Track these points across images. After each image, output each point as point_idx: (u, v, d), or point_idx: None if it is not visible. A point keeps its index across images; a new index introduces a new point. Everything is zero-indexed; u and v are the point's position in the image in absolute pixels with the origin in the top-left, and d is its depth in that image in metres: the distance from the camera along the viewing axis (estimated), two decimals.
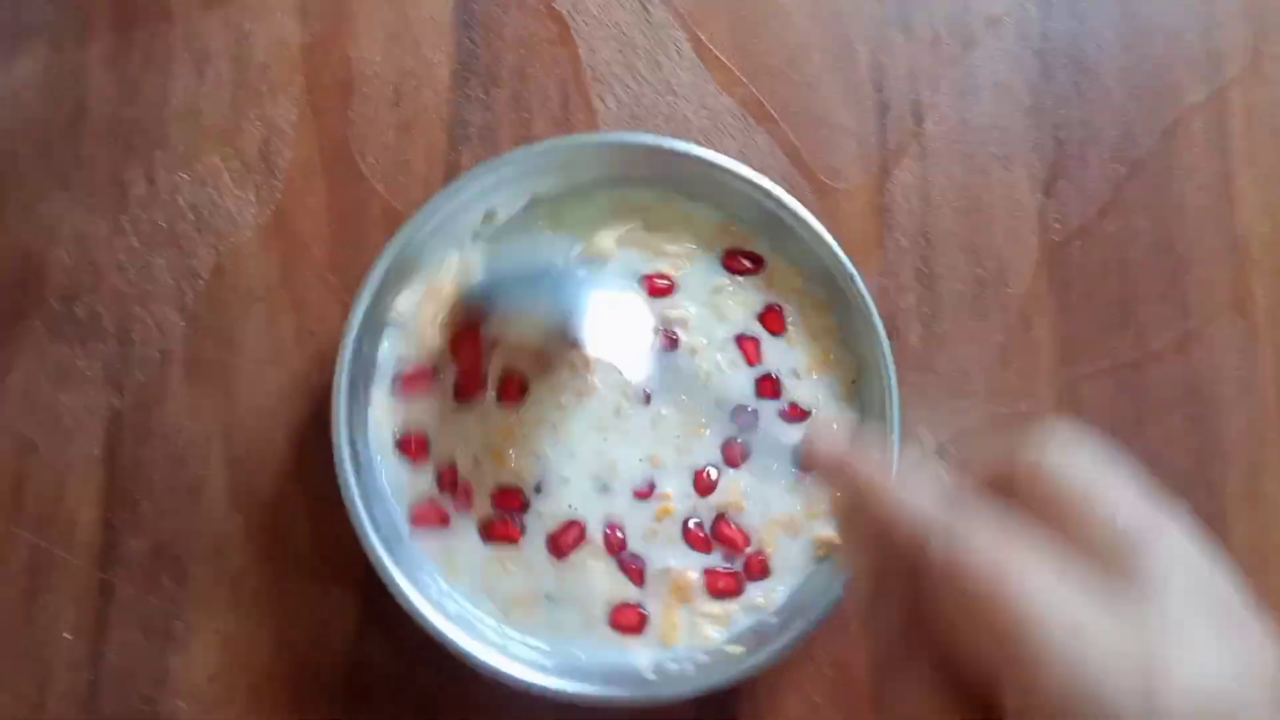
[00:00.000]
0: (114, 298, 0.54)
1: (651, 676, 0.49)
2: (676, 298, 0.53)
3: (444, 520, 0.50)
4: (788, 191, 0.57)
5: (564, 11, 0.59)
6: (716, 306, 0.53)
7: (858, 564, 0.33)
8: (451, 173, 0.57)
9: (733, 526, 0.51)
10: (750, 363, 0.53)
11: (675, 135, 0.58)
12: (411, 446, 0.50)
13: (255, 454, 0.53)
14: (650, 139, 0.53)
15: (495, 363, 0.51)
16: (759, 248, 0.54)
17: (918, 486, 0.31)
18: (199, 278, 0.55)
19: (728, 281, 0.54)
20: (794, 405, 0.53)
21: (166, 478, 0.52)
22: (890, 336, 0.57)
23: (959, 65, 0.61)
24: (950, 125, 0.60)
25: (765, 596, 0.51)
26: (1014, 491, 0.30)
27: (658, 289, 0.53)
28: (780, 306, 0.54)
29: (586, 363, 0.51)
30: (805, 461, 0.37)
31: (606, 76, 0.59)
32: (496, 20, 0.58)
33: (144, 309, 0.54)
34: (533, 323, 0.50)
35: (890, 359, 0.50)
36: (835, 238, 0.57)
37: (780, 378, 0.53)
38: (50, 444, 0.52)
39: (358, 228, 0.56)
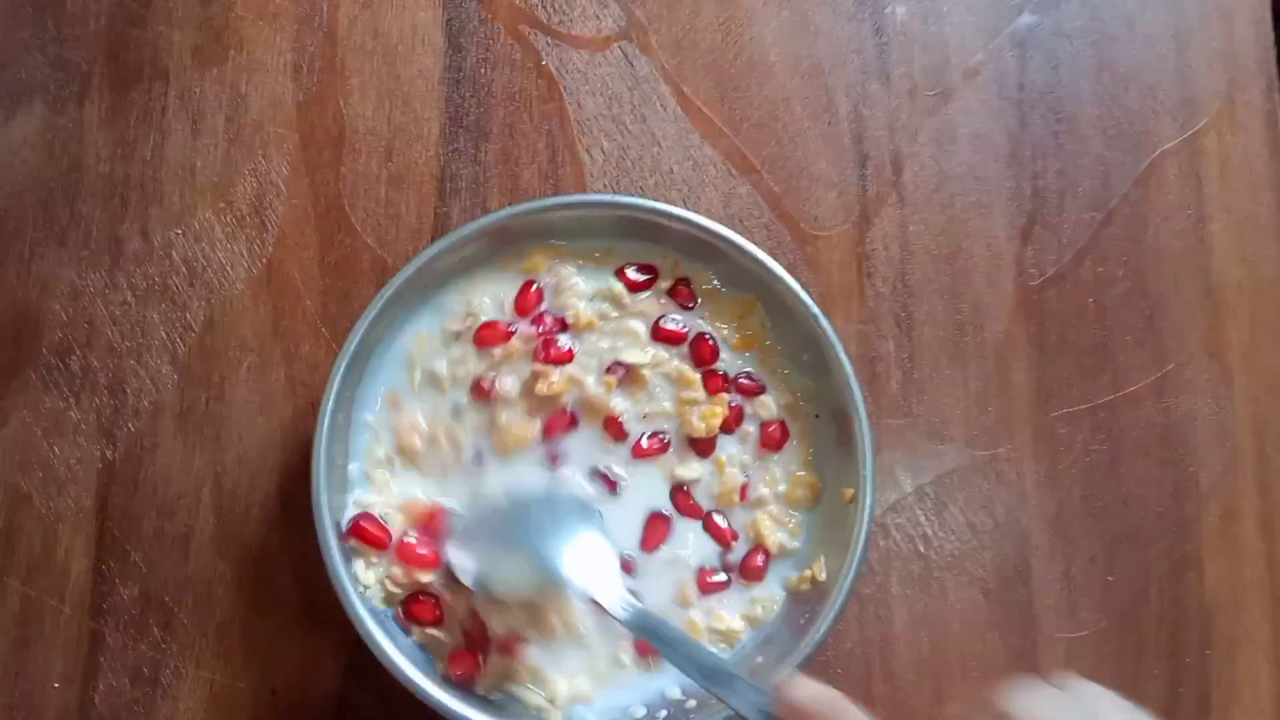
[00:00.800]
0: (108, 351, 0.55)
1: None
2: (566, 297, 0.53)
3: (478, 664, 0.50)
4: (768, 240, 0.59)
5: (552, 68, 0.61)
6: (610, 305, 0.54)
7: None
8: (441, 225, 0.58)
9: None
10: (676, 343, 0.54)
11: (660, 185, 0.60)
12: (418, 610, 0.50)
13: (243, 504, 0.54)
14: (598, 198, 0.55)
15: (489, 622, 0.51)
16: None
17: None
18: (191, 330, 0.56)
19: (621, 290, 0.54)
20: (748, 375, 0.54)
21: (156, 528, 0.53)
22: (870, 382, 0.58)
23: (937, 116, 0.62)
24: (929, 175, 0.61)
25: (764, 607, 0.52)
26: None
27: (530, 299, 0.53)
28: (688, 281, 0.54)
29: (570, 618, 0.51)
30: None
31: (593, 130, 0.60)
32: (486, 77, 0.60)
33: (137, 362, 0.55)
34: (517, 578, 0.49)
35: (859, 392, 0.51)
36: (815, 285, 0.59)
37: (715, 342, 0.54)
38: (43, 495, 0.53)
39: (348, 279, 0.57)
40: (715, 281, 0.55)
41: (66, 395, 0.54)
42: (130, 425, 0.54)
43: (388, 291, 0.50)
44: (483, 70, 0.60)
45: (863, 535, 0.50)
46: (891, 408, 0.58)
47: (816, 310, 0.52)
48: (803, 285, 0.52)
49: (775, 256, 0.54)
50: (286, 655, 0.52)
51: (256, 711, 0.52)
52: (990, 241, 0.61)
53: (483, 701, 0.49)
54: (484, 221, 0.51)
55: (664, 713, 0.50)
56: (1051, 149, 0.62)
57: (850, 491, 0.51)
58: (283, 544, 0.53)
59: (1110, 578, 0.57)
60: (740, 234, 0.53)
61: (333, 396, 0.48)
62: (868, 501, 0.50)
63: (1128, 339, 0.60)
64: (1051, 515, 0.57)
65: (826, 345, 0.52)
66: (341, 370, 0.48)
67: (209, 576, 0.53)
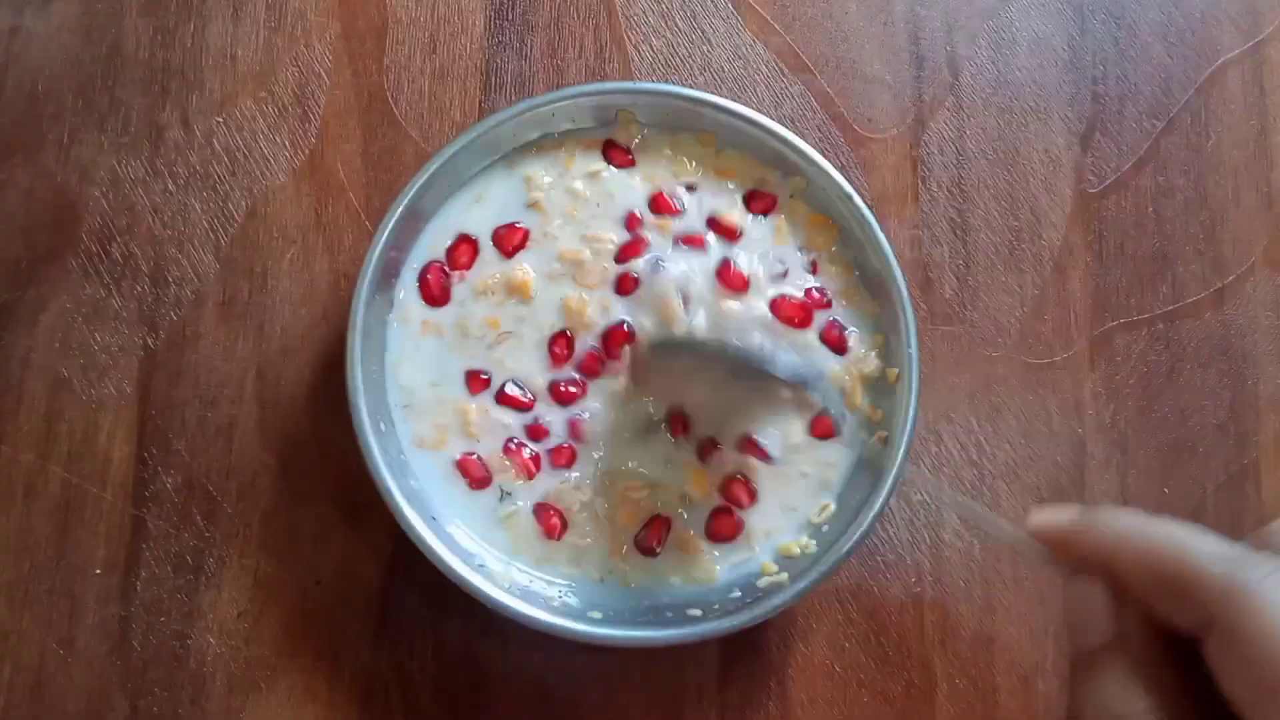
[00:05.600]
0: (149, 239, 0.54)
1: (697, 612, 0.49)
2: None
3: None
4: (820, 142, 0.58)
5: None
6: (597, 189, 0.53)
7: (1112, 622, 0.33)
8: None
9: None
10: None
11: (709, 84, 0.58)
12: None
13: (287, 394, 0.53)
14: (650, 86, 0.54)
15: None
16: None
17: (1202, 537, 0.31)
18: (233, 220, 0.55)
19: (603, 168, 0.53)
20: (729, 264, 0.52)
21: (199, 416, 0.52)
22: (923, 287, 0.57)
23: (996, 18, 0.60)
24: (987, 78, 0.59)
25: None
26: None
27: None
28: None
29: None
30: (1040, 538, 0.36)
31: (641, 25, 0.59)
32: None
33: (178, 251, 0.54)
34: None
35: (907, 296, 0.50)
36: (869, 188, 0.57)
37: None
38: (83, 381, 0.52)
39: (392, 172, 0.56)
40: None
41: (107, 283, 0.53)
42: (172, 314, 0.53)
43: (434, 164, 0.49)
44: None
45: (910, 416, 0.49)
46: (946, 314, 0.57)
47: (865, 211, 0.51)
48: (856, 188, 0.51)
49: (828, 158, 0.53)
50: (331, 546, 0.51)
51: (301, 602, 0.51)
52: (1048, 147, 0.59)
53: (524, 592, 0.48)
54: (541, 100, 0.51)
55: (712, 599, 0.49)
56: (1112, 55, 0.60)
57: (895, 371, 0.50)
58: (327, 434, 0.52)
59: (1166, 489, 0.56)
60: (794, 133, 0.52)
61: (368, 277, 0.48)
62: (914, 381, 0.49)
63: (1187, 249, 0.59)
64: (1107, 425, 0.56)
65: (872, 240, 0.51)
66: (381, 244, 0.48)
67: (253, 467, 0.52)
